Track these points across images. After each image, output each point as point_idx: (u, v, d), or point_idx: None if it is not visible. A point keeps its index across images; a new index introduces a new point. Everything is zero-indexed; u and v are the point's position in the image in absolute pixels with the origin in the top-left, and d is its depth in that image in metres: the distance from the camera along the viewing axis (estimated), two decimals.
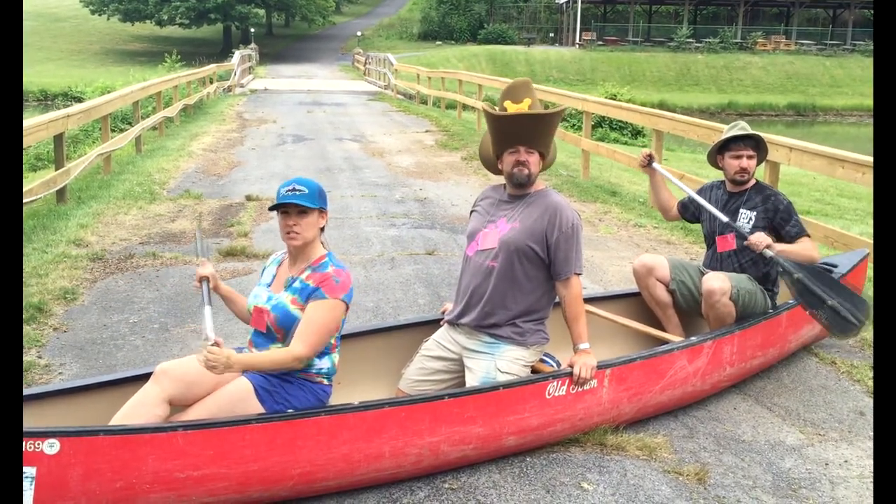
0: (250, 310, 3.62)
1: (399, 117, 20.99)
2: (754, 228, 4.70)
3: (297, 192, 3.47)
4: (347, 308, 3.56)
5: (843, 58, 51.43)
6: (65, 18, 58.22)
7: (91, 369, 4.72)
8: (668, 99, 41.28)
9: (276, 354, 3.41)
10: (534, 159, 3.94)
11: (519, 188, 4.01)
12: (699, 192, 5.04)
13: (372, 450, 3.39)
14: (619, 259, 7.45)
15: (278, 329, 3.50)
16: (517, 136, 3.93)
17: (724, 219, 4.72)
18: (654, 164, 5.07)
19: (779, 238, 4.70)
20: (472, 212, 4.26)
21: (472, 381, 3.88)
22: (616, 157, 11.78)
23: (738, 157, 4.78)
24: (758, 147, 4.80)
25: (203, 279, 3.61)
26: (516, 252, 3.90)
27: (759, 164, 4.88)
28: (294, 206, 3.47)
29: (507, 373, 3.87)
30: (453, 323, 4.09)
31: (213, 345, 3.23)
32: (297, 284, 3.51)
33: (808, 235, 4.74)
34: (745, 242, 4.58)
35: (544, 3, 61.38)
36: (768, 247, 4.51)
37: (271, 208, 3.54)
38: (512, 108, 3.89)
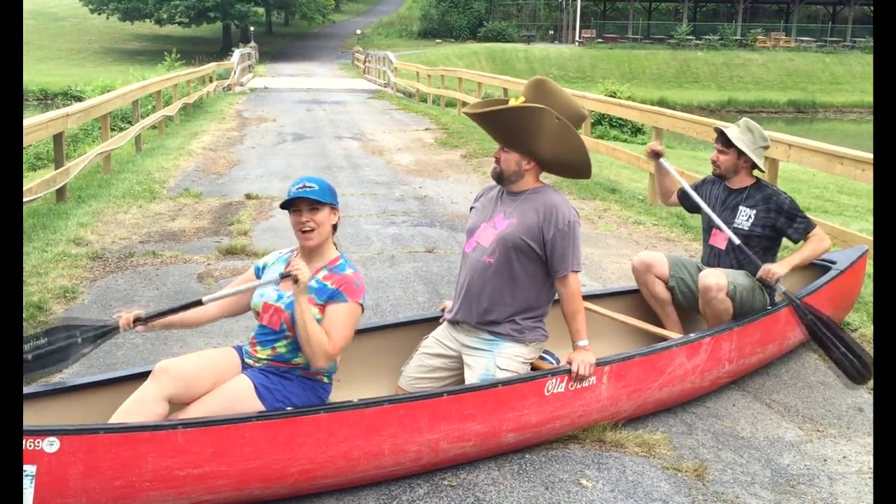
0: (258, 310, 3.62)
1: (399, 115, 20.98)
2: (753, 227, 4.71)
3: (308, 189, 3.48)
4: (363, 311, 3.59)
5: (843, 55, 51.41)
6: (64, 17, 58.19)
7: (91, 367, 4.73)
8: (667, 96, 41.26)
9: (320, 332, 3.39)
10: (509, 158, 3.93)
11: (503, 184, 4.03)
12: (699, 185, 5.05)
13: (371, 447, 3.39)
14: (618, 256, 7.45)
15: (292, 327, 3.48)
16: (494, 133, 4.02)
17: (737, 241, 4.68)
18: (662, 160, 5.07)
19: (782, 236, 4.73)
20: (471, 209, 4.27)
21: (471, 378, 3.89)
22: (616, 154, 11.78)
23: (715, 149, 4.88)
24: (729, 144, 4.78)
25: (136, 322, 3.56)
26: (513, 248, 3.90)
27: (754, 166, 4.84)
28: (305, 202, 3.48)
29: (506, 370, 3.87)
30: (452, 321, 4.09)
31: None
32: (313, 283, 3.51)
33: (815, 226, 4.75)
34: (757, 276, 4.60)
35: (544, 0, 61.35)
36: (778, 277, 4.54)
37: (283, 206, 3.53)
38: (511, 103, 3.90)
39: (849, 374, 4.36)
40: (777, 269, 4.57)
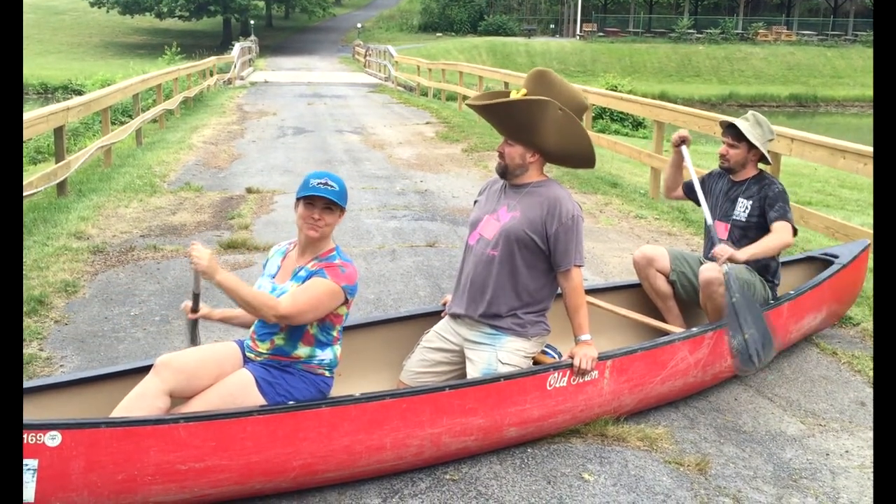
0: None
1: (399, 109, 20.97)
2: (750, 217, 4.72)
3: (329, 188, 3.46)
4: (348, 302, 3.55)
5: (844, 48, 51.32)
6: (64, 11, 58.09)
7: (92, 362, 4.73)
8: (669, 90, 41.17)
9: (259, 293, 3.40)
10: (513, 151, 3.91)
11: (507, 178, 4.01)
12: (704, 178, 5.04)
13: (373, 441, 3.39)
14: (619, 250, 7.45)
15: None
16: (497, 126, 4.00)
17: (709, 221, 4.75)
18: (683, 147, 5.04)
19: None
20: (475, 202, 4.27)
21: (473, 372, 3.89)
22: (617, 148, 11.77)
23: (723, 143, 4.86)
24: (740, 138, 4.76)
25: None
26: (516, 241, 3.89)
27: (760, 158, 4.83)
28: (322, 200, 3.46)
29: (508, 364, 3.87)
30: (454, 315, 4.08)
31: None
32: (302, 273, 3.51)
33: (788, 221, 4.65)
34: (712, 252, 4.58)
35: None
36: (730, 258, 4.46)
37: (301, 197, 3.49)
38: (512, 96, 3.89)
39: (742, 358, 4.30)
40: (733, 252, 4.48)
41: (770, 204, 4.68)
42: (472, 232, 4.08)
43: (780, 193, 4.70)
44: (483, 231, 4.00)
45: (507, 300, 3.93)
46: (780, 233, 4.61)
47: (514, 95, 3.87)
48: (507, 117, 3.88)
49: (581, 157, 4.01)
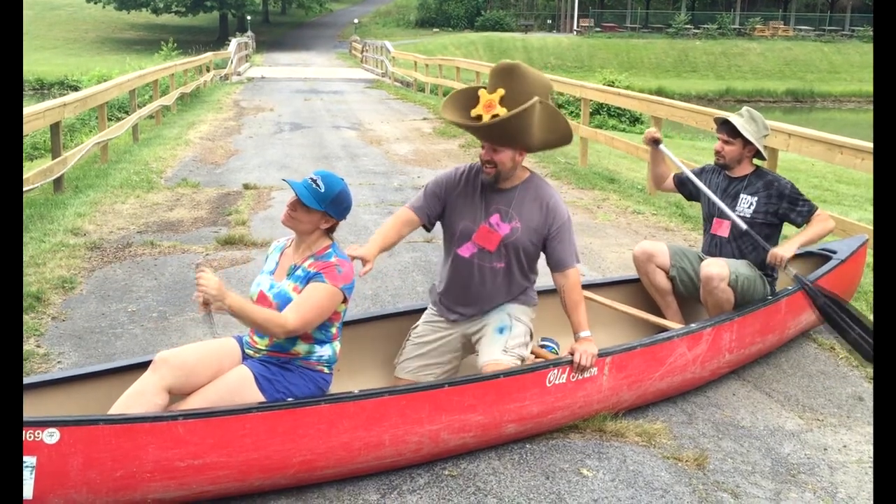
0: (254, 298, 3.60)
1: (396, 105, 20.93)
2: (755, 214, 4.71)
3: (314, 186, 3.45)
4: (346, 300, 3.54)
5: (841, 44, 51.36)
6: (60, 6, 57.92)
7: (90, 358, 4.72)
8: (666, 85, 41.16)
9: (268, 313, 3.34)
10: (503, 157, 3.79)
11: (497, 184, 3.90)
12: (698, 173, 5.03)
13: (372, 438, 3.39)
14: (617, 246, 7.45)
15: None
16: (481, 136, 3.84)
17: (744, 227, 4.67)
18: (661, 147, 5.04)
19: (783, 222, 4.73)
20: (442, 193, 4.07)
21: (488, 332, 3.93)
22: (614, 144, 11.76)
23: (718, 140, 4.86)
24: (735, 134, 4.75)
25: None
26: (523, 251, 3.93)
27: (755, 155, 4.82)
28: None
29: (519, 320, 3.95)
30: (452, 320, 4.07)
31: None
32: (299, 272, 3.50)
33: (817, 208, 4.74)
34: (768, 260, 4.61)
35: None
36: (785, 259, 4.55)
37: (286, 180, 3.55)
38: (485, 97, 3.69)
39: (865, 355, 4.44)
40: (783, 252, 4.56)
41: (791, 203, 4.69)
42: (466, 244, 3.95)
43: (794, 189, 4.73)
44: (481, 242, 3.91)
45: (511, 294, 4.01)
46: (823, 222, 4.70)
47: (488, 96, 3.68)
48: (500, 131, 3.71)
49: (560, 141, 3.89)
